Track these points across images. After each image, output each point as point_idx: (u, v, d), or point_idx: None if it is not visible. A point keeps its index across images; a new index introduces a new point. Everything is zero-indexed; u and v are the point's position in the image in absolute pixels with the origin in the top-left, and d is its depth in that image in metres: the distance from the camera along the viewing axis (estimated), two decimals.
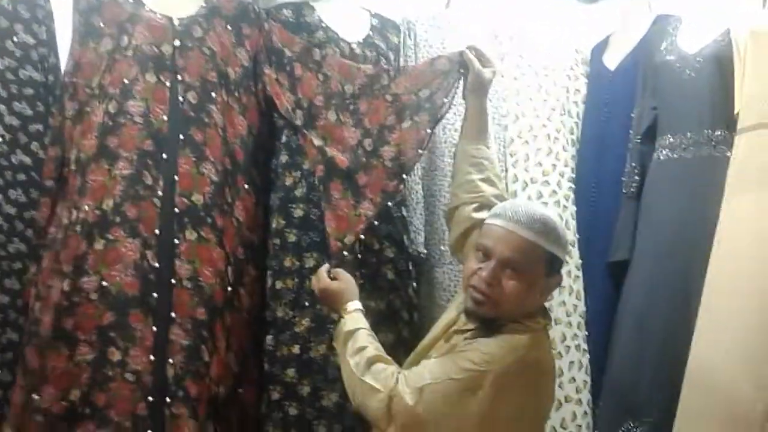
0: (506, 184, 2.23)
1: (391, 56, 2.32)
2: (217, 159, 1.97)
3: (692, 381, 1.82)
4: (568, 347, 2.19)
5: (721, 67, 2.01)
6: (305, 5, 2.23)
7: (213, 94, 2.00)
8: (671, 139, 2.11)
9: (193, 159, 1.94)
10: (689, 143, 2.07)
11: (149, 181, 1.89)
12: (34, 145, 2.06)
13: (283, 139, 2.14)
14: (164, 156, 1.92)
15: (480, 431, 1.48)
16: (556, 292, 2.00)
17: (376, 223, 2.04)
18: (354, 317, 1.68)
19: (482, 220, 1.66)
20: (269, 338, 2.03)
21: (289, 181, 2.10)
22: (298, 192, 2.09)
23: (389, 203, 2.06)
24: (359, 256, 2.03)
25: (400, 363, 1.64)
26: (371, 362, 1.56)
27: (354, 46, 2.22)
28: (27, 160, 2.05)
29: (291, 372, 1.98)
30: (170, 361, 1.83)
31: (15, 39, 2.04)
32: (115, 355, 1.80)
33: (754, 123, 1.87)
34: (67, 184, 1.95)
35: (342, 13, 2.26)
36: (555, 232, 1.56)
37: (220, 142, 1.99)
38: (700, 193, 2.00)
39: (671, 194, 2.08)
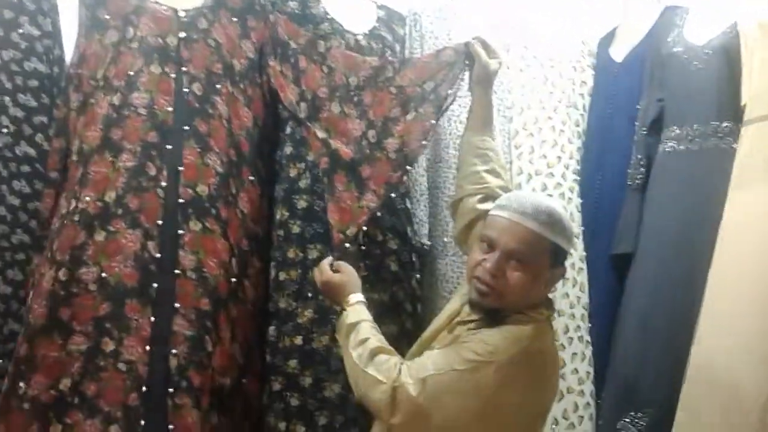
0: (511, 176, 2.22)
1: (397, 48, 2.32)
2: (222, 150, 1.98)
3: (694, 372, 1.82)
4: (571, 339, 2.19)
5: (728, 58, 2.01)
6: None
7: (218, 86, 2.00)
8: (677, 131, 2.10)
9: (198, 150, 1.94)
10: (696, 135, 2.06)
11: (153, 172, 1.89)
12: (39, 137, 2.07)
13: (288, 130, 2.14)
14: (168, 147, 1.92)
15: (483, 422, 1.48)
16: (559, 284, 2.00)
17: (379, 214, 2.03)
18: (356, 309, 1.68)
19: (487, 211, 1.65)
20: (272, 329, 2.03)
21: (293, 173, 2.10)
22: (302, 183, 2.08)
23: (393, 194, 2.06)
24: (363, 247, 2.02)
25: (403, 354, 1.63)
26: (374, 354, 1.56)
27: (360, 37, 2.21)
28: (31, 151, 2.05)
29: (293, 363, 1.98)
30: (173, 351, 1.82)
31: (20, 31, 2.05)
32: (109, 345, 1.80)
33: (761, 114, 1.86)
34: (69, 174, 1.95)
35: (347, 5, 2.25)
36: (560, 223, 1.55)
37: (225, 134, 1.99)
38: (706, 185, 1.99)
39: (677, 186, 2.08)
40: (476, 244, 1.62)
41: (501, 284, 1.52)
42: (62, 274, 1.83)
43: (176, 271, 1.86)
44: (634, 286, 2.12)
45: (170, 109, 1.93)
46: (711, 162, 2.01)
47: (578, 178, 2.32)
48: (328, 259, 1.80)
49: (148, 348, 1.81)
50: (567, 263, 1.65)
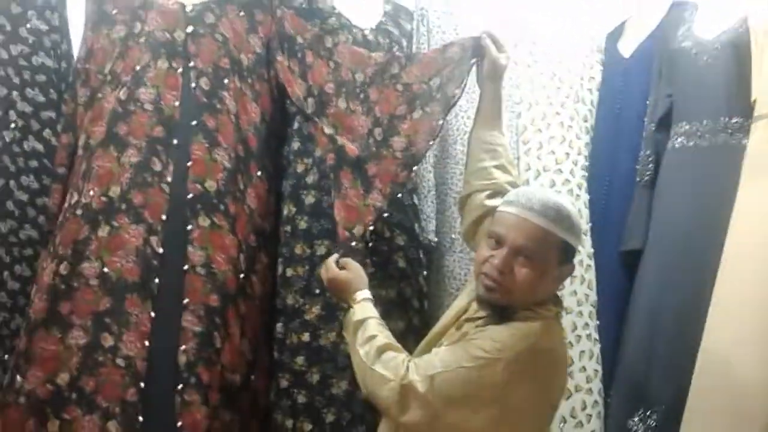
0: (519, 173, 2.21)
1: (404, 43, 2.31)
2: (230, 145, 1.97)
3: (703, 369, 1.81)
4: (579, 337, 2.18)
5: (738, 54, 1.99)
6: None
7: (225, 81, 2.00)
8: (687, 127, 2.09)
9: (206, 145, 1.93)
10: (705, 131, 2.04)
11: (158, 167, 1.89)
12: (47, 132, 2.07)
13: (295, 125, 2.14)
14: (175, 142, 1.91)
15: (490, 419, 1.47)
16: (567, 282, 1.99)
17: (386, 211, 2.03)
18: (363, 306, 1.67)
19: (495, 208, 1.64)
20: (279, 326, 2.03)
21: (300, 168, 2.10)
22: (310, 179, 2.08)
23: (399, 194, 2.05)
24: (370, 244, 2.02)
25: (410, 351, 1.63)
26: (381, 351, 1.56)
27: (367, 32, 2.21)
28: (39, 146, 2.06)
29: (300, 360, 1.98)
30: (182, 347, 1.82)
31: (28, 26, 2.05)
32: (108, 341, 1.79)
33: None
34: (74, 168, 1.96)
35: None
36: (569, 219, 1.54)
37: (232, 129, 1.99)
38: (716, 181, 1.98)
39: (686, 182, 2.06)
40: (484, 240, 1.61)
41: (509, 281, 1.51)
42: (63, 268, 1.83)
43: (185, 267, 1.86)
44: (643, 283, 2.10)
45: (177, 104, 1.93)
46: (720, 158, 1.99)
47: (586, 174, 2.30)
48: (335, 256, 1.79)
49: (147, 343, 1.81)
50: (575, 260, 1.64)
